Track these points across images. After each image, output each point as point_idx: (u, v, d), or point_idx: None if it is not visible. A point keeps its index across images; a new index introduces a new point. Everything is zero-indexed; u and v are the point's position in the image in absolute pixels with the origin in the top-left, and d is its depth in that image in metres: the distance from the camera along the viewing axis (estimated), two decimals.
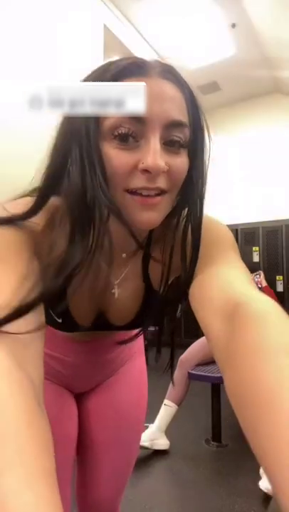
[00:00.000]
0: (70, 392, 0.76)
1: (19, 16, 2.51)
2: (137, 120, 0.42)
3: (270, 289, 2.81)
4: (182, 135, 0.46)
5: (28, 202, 0.44)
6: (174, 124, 0.45)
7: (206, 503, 1.57)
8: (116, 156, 0.43)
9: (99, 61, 3.58)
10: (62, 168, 0.45)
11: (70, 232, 0.42)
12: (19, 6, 2.52)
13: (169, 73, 0.46)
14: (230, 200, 5.35)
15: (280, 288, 4.37)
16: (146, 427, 2.05)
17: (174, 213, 0.51)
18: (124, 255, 0.56)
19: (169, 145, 0.45)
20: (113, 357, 0.76)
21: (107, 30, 3.44)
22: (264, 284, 2.88)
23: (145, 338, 0.95)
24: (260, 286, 2.94)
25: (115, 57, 0.48)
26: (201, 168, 0.50)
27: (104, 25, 3.41)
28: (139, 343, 0.86)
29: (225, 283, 0.44)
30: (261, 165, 5.23)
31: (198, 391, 2.31)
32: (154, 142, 0.43)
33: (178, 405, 2.09)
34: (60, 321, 0.56)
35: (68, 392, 0.76)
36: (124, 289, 0.58)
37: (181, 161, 0.46)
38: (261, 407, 0.29)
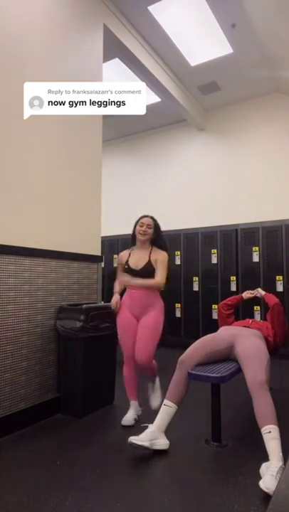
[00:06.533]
0: (135, 318, 2.49)
1: (19, 15, 2.51)
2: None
3: (269, 294, 2.89)
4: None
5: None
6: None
7: (206, 503, 1.57)
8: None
9: (99, 61, 3.61)
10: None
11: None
12: (18, 5, 2.52)
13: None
14: (229, 200, 5.35)
15: (280, 288, 4.37)
16: (146, 427, 2.05)
17: (154, 243, 2.62)
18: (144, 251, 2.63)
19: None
20: (144, 294, 2.48)
21: (107, 30, 3.44)
22: (263, 293, 2.96)
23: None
24: (260, 296, 3.02)
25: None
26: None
27: (104, 25, 3.41)
28: (159, 303, 2.51)
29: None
30: (261, 165, 5.22)
31: (198, 391, 2.31)
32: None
33: (178, 405, 2.09)
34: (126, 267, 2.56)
35: (134, 317, 2.49)
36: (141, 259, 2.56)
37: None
38: None
